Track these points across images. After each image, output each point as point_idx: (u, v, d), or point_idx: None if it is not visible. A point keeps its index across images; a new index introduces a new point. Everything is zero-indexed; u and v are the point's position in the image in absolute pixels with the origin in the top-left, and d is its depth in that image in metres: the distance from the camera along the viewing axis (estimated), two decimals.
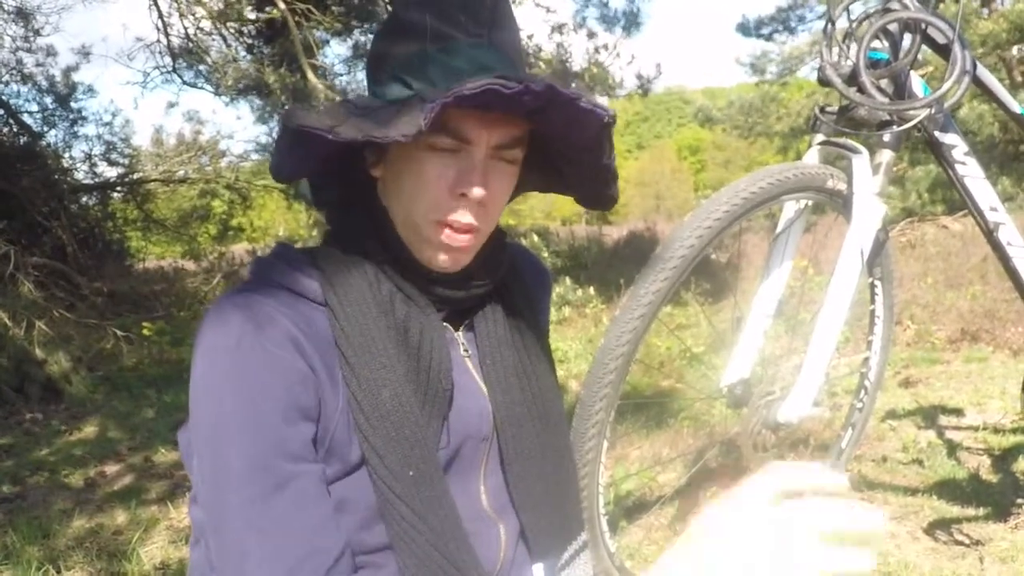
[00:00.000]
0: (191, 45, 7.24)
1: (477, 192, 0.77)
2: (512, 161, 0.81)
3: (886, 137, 1.59)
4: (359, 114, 0.73)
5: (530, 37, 7.08)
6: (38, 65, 8.05)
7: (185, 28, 7.15)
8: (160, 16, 6.85)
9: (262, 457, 0.71)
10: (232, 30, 7.24)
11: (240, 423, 0.72)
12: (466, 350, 0.88)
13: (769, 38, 13.96)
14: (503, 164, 0.80)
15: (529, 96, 0.71)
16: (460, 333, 0.88)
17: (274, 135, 7.70)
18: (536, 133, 0.82)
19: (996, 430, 3.01)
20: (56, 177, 7.40)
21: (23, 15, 7.55)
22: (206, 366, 0.74)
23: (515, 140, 0.80)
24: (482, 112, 0.75)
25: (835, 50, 1.57)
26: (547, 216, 24.34)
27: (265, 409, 0.72)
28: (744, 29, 13.89)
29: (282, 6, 5.74)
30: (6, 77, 7.73)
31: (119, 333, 5.45)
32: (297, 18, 5.86)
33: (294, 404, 0.73)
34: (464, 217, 0.79)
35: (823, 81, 1.56)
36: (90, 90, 8.49)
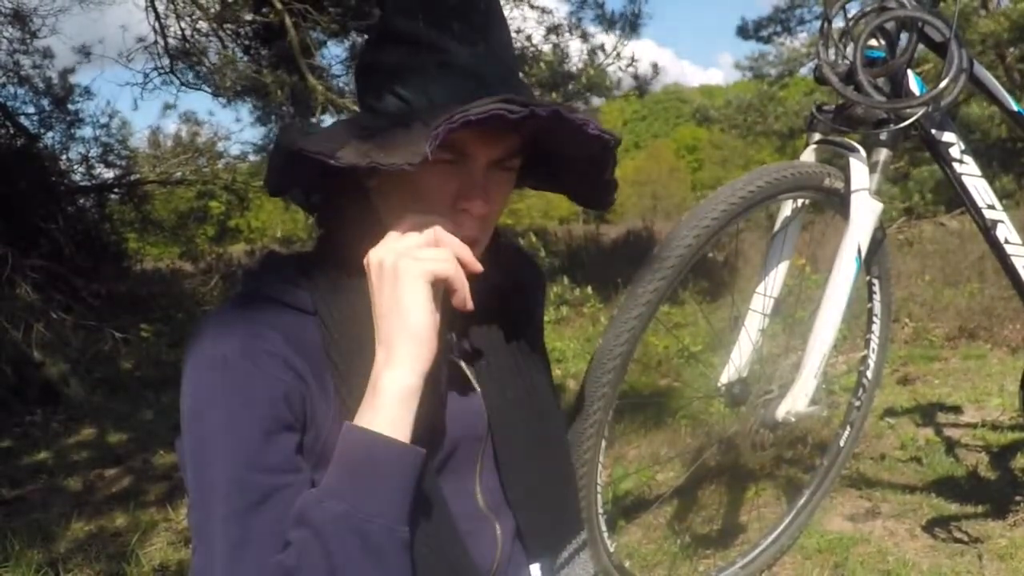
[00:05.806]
0: (188, 47, 7.22)
1: (480, 208, 0.77)
2: (511, 169, 0.81)
3: (883, 135, 1.59)
4: (360, 135, 0.72)
5: (528, 38, 7.04)
6: (35, 67, 8.01)
7: (182, 30, 7.14)
8: (157, 18, 6.83)
9: (243, 473, 0.72)
10: (229, 32, 7.23)
11: (222, 440, 0.73)
12: (459, 351, 0.88)
13: (768, 40, 13.89)
14: (502, 173, 0.80)
15: (534, 120, 0.70)
16: (453, 335, 0.88)
17: (272, 136, 7.69)
18: (536, 140, 0.81)
19: (994, 427, 3.01)
20: (53, 179, 7.37)
21: (19, 17, 7.52)
22: (192, 383, 0.75)
23: (514, 152, 0.80)
24: (484, 127, 0.74)
25: (832, 49, 1.57)
26: (545, 216, 24.29)
27: (247, 425, 0.73)
28: (743, 32, 13.83)
29: (278, 5, 5.73)
30: (3, 79, 7.69)
31: (117, 335, 5.43)
32: (294, 19, 5.85)
33: (278, 418, 0.74)
34: (465, 231, 0.78)
35: (820, 80, 1.56)
36: (87, 92, 8.40)
